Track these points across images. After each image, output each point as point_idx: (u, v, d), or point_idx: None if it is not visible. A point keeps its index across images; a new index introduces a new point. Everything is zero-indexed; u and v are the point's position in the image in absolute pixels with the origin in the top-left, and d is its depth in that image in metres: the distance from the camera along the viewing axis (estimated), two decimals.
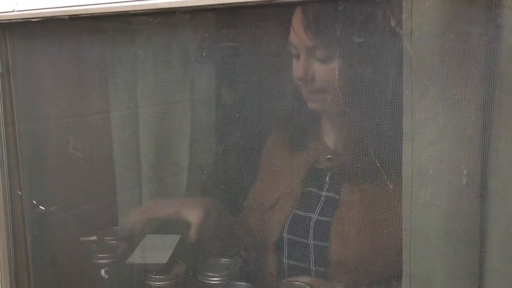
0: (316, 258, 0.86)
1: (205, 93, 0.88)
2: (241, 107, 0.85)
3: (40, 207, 0.97)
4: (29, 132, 0.95)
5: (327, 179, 0.87)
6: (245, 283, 0.85)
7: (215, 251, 0.91)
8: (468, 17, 0.58)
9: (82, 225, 1.01)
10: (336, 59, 0.76)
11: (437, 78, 0.61)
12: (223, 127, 0.89)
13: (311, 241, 0.86)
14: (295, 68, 0.83)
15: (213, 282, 0.85)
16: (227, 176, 0.91)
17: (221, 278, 0.86)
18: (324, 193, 0.87)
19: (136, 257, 0.93)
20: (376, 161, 0.70)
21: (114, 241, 0.98)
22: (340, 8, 0.64)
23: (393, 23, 0.63)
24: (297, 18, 0.77)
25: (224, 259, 0.89)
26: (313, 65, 0.80)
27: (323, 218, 0.86)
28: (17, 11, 0.80)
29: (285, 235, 0.89)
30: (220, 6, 0.65)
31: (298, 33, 0.78)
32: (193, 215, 0.90)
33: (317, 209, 0.87)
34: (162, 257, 0.90)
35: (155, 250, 0.93)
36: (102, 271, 0.94)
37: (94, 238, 0.99)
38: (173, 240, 0.94)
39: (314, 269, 0.86)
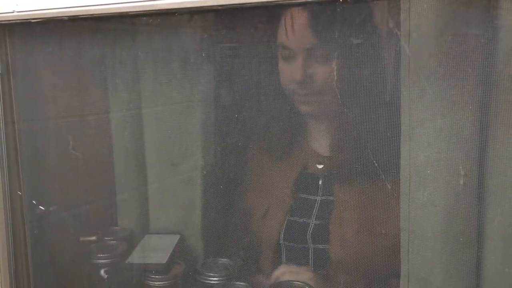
0: (315, 262, 0.85)
1: (204, 93, 0.88)
2: (239, 108, 0.85)
3: (40, 207, 0.97)
4: (29, 132, 0.95)
5: (320, 183, 0.86)
6: (243, 283, 0.85)
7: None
8: (465, 18, 0.59)
9: (82, 225, 1.01)
10: (334, 60, 0.75)
11: (434, 79, 0.62)
12: (222, 127, 0.89)
13: (311, 245, 0.85)
14: (291, 71, 0.81)
15: (212, 282, 0.86)
16: (227, 178, 0.91)
17: (220, 278, 0.86)
18: (319, 198, 0.86)
19: (136, 257, 0.93)
20: (374, 162, 0.71)
21: (114, 241, 0.98)
22: (338, 9, 0.64)
23: (391, 25, 0.63)
24: (292, 19, 0.76)
25: (223, 259, 0.90)
26: (312, 67, 0.79)
27: (320, 222, 0.85)
28: (17, 12, 0.80)
29: (281, 242, 0.88)
30: (220, 8, 0.65)
31: (296, 34, 0.77)
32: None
33: (313, 214, 0.86)
34: (162, 257, 0.90)
35: (155, 250, 0.93)
36: (102, 271, 0.94)
37: (93, 238, 0.99)
38: (172, 240, 0.94)
39: (313, 272, 0.86)
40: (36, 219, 0.97)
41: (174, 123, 0.91)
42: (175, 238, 0.94)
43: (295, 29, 0.77)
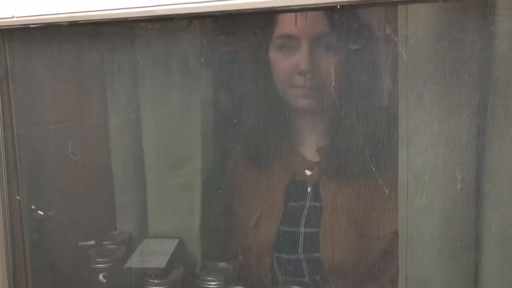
0: (309, 269, 0.84)
1: (203, 98, 0.89)
2: (237, 113, 0.85)
3: (39, 212, 0.97)
4: (27, 137, 0.96)
5: (309, 189, 0.84)
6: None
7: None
8: (461, 25, 0.59)
9: (80, 230, 1.01)
10: (336, 54, 0.74)
11: (431, 85, 0.62)
12: (220, 132, 0.89)
13: (302, 255, 0.83)
14: (295, 61, 0.78)
15: (211, 286, 0.86)
16: (225, 182, 0.91)
17: (219, 283, 0.86)
18: (307, 204, 0.84)
19: (134, 262, 0.93)
20: (372, 167, 0.71)
21: (113, 246, 0.98)
22: (336, 16, 0.65)
23: (388, 31, 0.64)
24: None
25: (222, 263, 0.90)
26: (318, 55, 0.76)
27: (311, 229, 0.83)
28: (16, 17, 0.80)
29: (274, 252, 0.86)
30: (218, 14, 0.65)
31: (303, 19, 0.72)
32: None
33: (302, 221, 0.84)
34: (160, 262, 0.90)
35: (153, 255, 0.93)
36: (101, 276, 0.94)
37: (92, 242, 0.99)
38: (171, 244, 0.94)
39: (308, 280, 0.84)
40: (35, 224, 0.97)
41: (172, 128, 0.91)
42: (174, 242, 0.94)
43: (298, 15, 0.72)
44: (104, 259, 0.95)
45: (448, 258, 0.65)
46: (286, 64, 0.80)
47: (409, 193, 0.66)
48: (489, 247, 0.63)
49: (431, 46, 0.61)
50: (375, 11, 0.65)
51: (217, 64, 0.83)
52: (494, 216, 0.62)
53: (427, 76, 0.62)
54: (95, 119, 0.98)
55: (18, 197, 0.93)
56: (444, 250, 0.65)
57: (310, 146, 0.84)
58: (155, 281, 0.89)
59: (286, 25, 0.77)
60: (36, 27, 0.80)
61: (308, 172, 0.84)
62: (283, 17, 0.77)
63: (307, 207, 0.84)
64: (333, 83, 0.72)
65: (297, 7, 0.61)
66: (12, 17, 0.80)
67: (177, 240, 0.94)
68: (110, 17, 0.73)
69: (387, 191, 0.70)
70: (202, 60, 0.83)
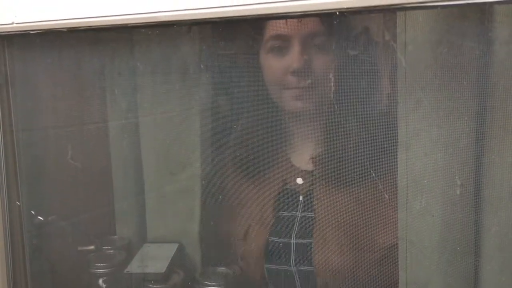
0: (301, 278, 0.82)
1: (203, 104, 0.89)
2: (236, 119, 0.85)
3: (39, 217, 0.97)
4: (27, 142, 0.96)
5: (300, 198, 0.82)
6: None
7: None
8: (460, 31, 0.60)
9: (80, 235, 1.01)
10: (331, 51, 0.73)
11: (430, 90, 0.62)
12: (220, 137, 0.89)
13: (294, 267, 0.81)
14: (287, 61, 0.76)
15: None
16: (225, 187, 0.91)
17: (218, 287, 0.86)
18: (299, 214, 0.82)
19: (134, 267, 0.93)
20: (371, 172, 0.71)
21: (112, 251, 0.98)
22: (335, 22, 0.65)
23: (387, 37, 0.64)
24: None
25: (222, 268, 0.90)
26: (311, 54, 0.75)
27: (303, 239, 0.81)
28: (16, 23, 0.80)
29: (264, 264, 0.84)
30: (218, 20, 0.66)
31: (292, 21, 0.73)
32: None
33: (294, 231, 0.82)
34: (160, 266, 0.90)
35: (153, 259, 0.93)
36: (100, 281, 0.94)
37: (92, 247, 0.99)
38: (171, 249, 0.94)
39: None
40: (34, 229, 0.97)
41: (172, 133, 0.92)
42: (174, 247, 0.94)
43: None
44: (104, 264, 0.95)
45: (448, 263, 0.66)
46: (277, 65, 0.79)
47: (408, 198, 0.66)
48: (489, 252, 0.63)
49: (429, 52, 0.61)
50: (374, 17, 0.66)
51: (216, 70, 0.83)
52: (493, 221, 0.62)
53: (426, 82, 0.62)
54: (95, 124, 0.98)
55: (18, 203, 0.93)
56: (443, 255, 0.65)
57: (303, 154, 0.83)
58: (155, 286, 0.89)
59: (276, 26, 0.76)
60: (36, 33, 0.80)
61: (299, 181, 0.82)
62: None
63: (299, 217, 0.83)
64: (328, 85, 0.71)
65: (297, 14, 0.61)
66: (12, 23, 0.80)
67: (176, 245, 0.94)
68: (110, 23, 0.73)
69: (387, 197, 0.70)
70: (202, 66, 0.83)
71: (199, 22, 0.69)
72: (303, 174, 0.83)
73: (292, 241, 0.82)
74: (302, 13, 0.60)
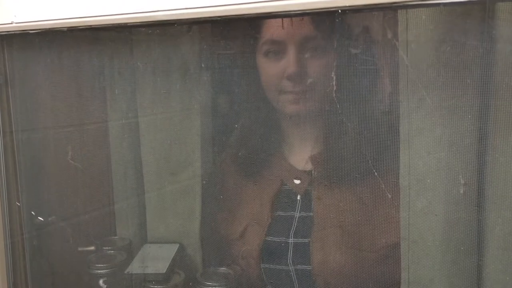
0: (298, 278, 0.82)
1: (203, 103, 0.88)
2: (237, 118, 0.84)
3: (39, 218, 0.96)
4: (27, 142, 0.95)
5: (298, 198, 0.82)
6: None
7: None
8: (463, 29, 0.59)
9: (80, 236, 1.01)
10: (328, 54, 0.72)
11: (433, 89, 0.62)
12: (220, 137, 0.89)
13: (291, 267, 0.81)
14: (283, 66, 0.76)
15: None
16: (225, 187, 0.91)
17: None
18: (297, 214, 0.82)
19: (135, 267, 0.93)
20: (374, 171, 0.71)
21: (113, 251, 0.98)
22: (337, 20, 0.65)
23: (389, 35, 0.63)
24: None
25: (222, 268, 0.89)
26: (306, 58, 0.75)
27: (301, 239, 0.81)
28: (16, 23, 0.80)
29: (261, 264, 0.84)
30: (218, 19, 0.65)
31: (290, 24, 0.72)
32: None
33: (291, 231, 0.82)
34: (161, 267, 0.90)
35: (154, 260, 0.93)
36: (101, 281, 0.94)
37: (92, 248, 0.99)
38: (171, 249, 0.94)
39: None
40: (34, 230, 0.97)
41: (172, 133, 0.91)
42: (174, 247, 0.94)
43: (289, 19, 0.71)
44: (104, 265, 0.94)
45: (451, 262, 0.65)
46: (273, 69, 0.79)
47: (411, 197, 0.66)
48: (493, 252, 0.63)
49: (432, 50, 0.61)
50: (375, 15, 0.65)
51: (217, 69, 0.82)
52: (497, 220, 0.62)
53: (428, 80, 0.62)
54: (95, 124, 0.97)
55: (18, 203, 0.93)
56: (447, 254, 0.65)
57: (301, 154, 0.83)
58: (156, 286, 0.89)
59: (272, 30, 0.76)
60: (36, 32, 0.80)
61: (297, 181, 0.82)
62: (268, 22, 0.76)
63: (297, 217, 0.82)
64: (329, 85, 0.71)
65: (297, 12, 0.60)
66: (12, 23, 0.80)
67: (177, 245, 0.94)
68: (110, 23, 0.73)
69: (389, 196, 0.70)
70: (202, 65, 0.83)
71: (200, 21, 0.69)
72: (301, 174, 0.83)
73: (290, 241, 0.82)
74: (303, 11, 0.60)
